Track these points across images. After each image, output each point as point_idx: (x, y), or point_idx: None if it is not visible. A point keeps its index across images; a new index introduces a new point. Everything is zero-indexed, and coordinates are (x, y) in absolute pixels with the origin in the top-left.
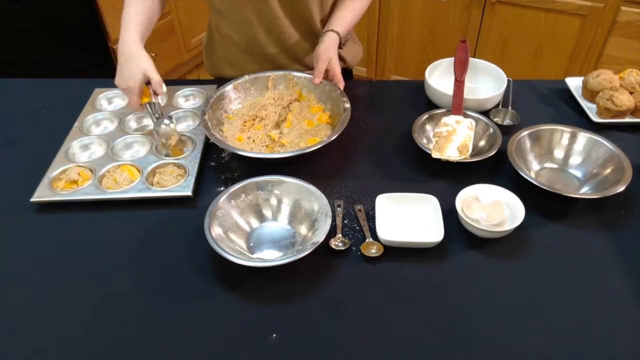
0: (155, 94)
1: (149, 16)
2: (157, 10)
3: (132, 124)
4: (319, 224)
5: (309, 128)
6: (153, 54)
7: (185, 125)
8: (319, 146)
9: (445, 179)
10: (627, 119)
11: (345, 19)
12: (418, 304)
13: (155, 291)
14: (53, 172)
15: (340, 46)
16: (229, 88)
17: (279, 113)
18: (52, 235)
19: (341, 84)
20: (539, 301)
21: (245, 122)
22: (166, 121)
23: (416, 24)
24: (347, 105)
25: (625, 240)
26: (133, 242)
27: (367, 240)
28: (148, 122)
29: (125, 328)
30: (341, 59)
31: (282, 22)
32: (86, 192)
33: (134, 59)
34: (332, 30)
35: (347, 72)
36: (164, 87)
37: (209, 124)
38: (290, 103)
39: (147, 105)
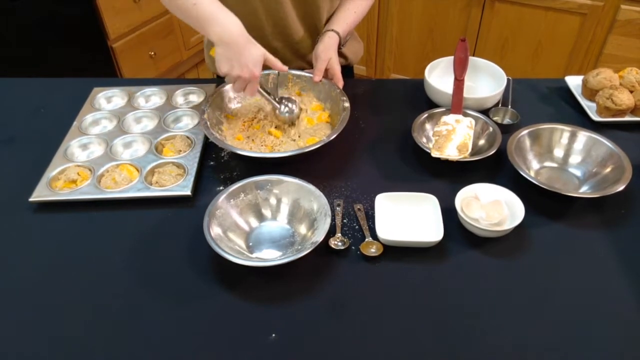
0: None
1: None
2: None
3: (131, 123)
4: (319, 223)
5: (309, 127)
6: (152, 53)
7: (184, 125)
8: (318, 145)
9: (444, 178)
10: (627, 118)
11: (346, 19)
12: (418, 303)
13: (154, 291)
14: (52, 171)
15: (340, 46)
16: (228, 87)
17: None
18: (51, 235)
19: (340, 83)
20: (538, 300)
21: (244, 122)
22: (290, 105)
23: (416, 22)
24: (347, 104)
25: (625, 240)
26: (132, 242)
27: (366, 239)
28: (148, 123)
29: (124, 328)
30: (342, 56)
31: (290, 18)
32: (85, 191)
33: (252, 44)
34: (332, 30)
35: (348, 69)
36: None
37: (208, 123)
38: None
39: (262, 90)
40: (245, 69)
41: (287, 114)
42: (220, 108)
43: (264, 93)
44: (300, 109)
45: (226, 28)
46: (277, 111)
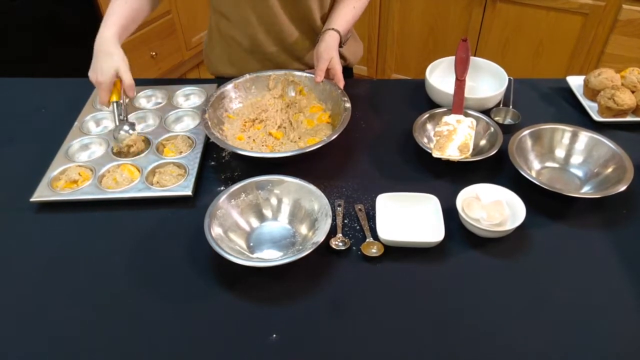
0: (125, 95)
1: (132, 16)
2: (143, 9)
3: None
4: (319, 223)
5: (309, 128)
6: (153, 53)
7: (185, 125)
8: (319, 145)
9: (445, 178)
10: (629, 118)
11: (345, 17)
12: (418, 303)
13: (155, 291)
14: (53, 171)
15: (340, 45)
16: (229, 87)
17: (280, 117)
18: (52, 235)
19: (341, 83)
20: (539, 301)
21: (245, 122)
22: (126, 127)
23: (417, 22)
24: (348, 104)
25: (626, 240)
26: (132, 242)
27: (367, 240)
28: (149, 123)
29: (125, 328)
30: (342, 57)
31: (282, 21)
32: (86, 191)
33: (109, 56)
34: (332, 29)
35: (347, 70)
36: (134, 92)
37: (209, 123)
38: (289, 105)
39: (114, 104)
40: (94, 75)
41: (118, 133)
42: (221, 108)
43: (114, 109)
44: (135, 143)
45: (101, 35)
46: (114, 132)
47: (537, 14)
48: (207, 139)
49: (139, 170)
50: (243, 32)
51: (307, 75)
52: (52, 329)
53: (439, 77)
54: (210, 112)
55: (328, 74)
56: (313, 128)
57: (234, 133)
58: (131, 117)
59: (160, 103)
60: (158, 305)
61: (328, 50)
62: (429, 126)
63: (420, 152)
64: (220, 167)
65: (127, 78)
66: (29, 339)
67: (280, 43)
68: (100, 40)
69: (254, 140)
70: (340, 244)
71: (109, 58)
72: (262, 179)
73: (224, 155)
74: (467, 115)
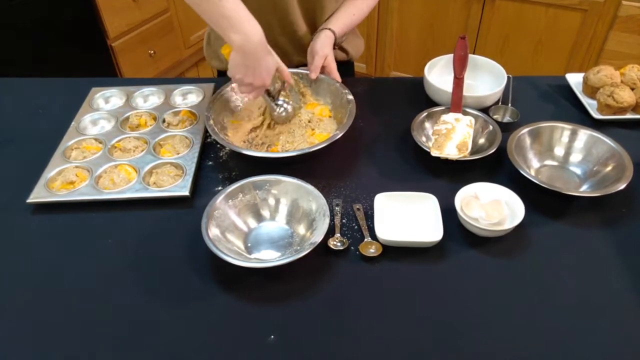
0: (288, 83)
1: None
2: None
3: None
4: (317, 223)
5: (311, 123)
6: (152, 51)
7: (182, 124)
8: (328, 142)
9: (444, 177)
10: (628, 116)
11: (344, 20)
12: (417, 303)
13: (153, 292)
14: (50, 172)
15: (334, 47)
16: (229, 89)
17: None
18: (49, 236)
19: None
20: (538, 300)
21: (251, 129)
22: (285, 105)
23: (416, 19)
24: (350, 97)
25: (626, 239)
26: (130, 243)
27: (365, 239)
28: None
29: (123, 328)
30: (344, 51)
31: (295, 14)
32: (83, 192)
33: (269, 55)
34: (328, 29)
35: (349, 65)
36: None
37: (215, 128)
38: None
39: (267, 94)
40: (259, 78)
41: (283, 114)
42: (224, 110)
43: (266, 96)
44: (297, 107)
45: (249, 37)
46: (274, 112)
47: (536, 10)
48: (204, 138)
49: (136, 171)
50: (258, 20)
51: (303, 72)
52: (51, 330)
53: (438, 75)
54: (214, 117)
55: (323, 71)
56: (316, 123)
57: (240, 137)
58: (128, 118)
59: (157, 103)
60: (156, 306)
61: (323, 47)
62: (427, 125)
63: (418, 151)
64: (218, 167)
65: (286, 70)
66: (27, 340)
67: (290, 35)
68: (255, 41)
69: (260, 140)
70: (339, 244)
71: (270, 58)
72: (260, 179)
73: (221, 155)
74: (465, 113)
